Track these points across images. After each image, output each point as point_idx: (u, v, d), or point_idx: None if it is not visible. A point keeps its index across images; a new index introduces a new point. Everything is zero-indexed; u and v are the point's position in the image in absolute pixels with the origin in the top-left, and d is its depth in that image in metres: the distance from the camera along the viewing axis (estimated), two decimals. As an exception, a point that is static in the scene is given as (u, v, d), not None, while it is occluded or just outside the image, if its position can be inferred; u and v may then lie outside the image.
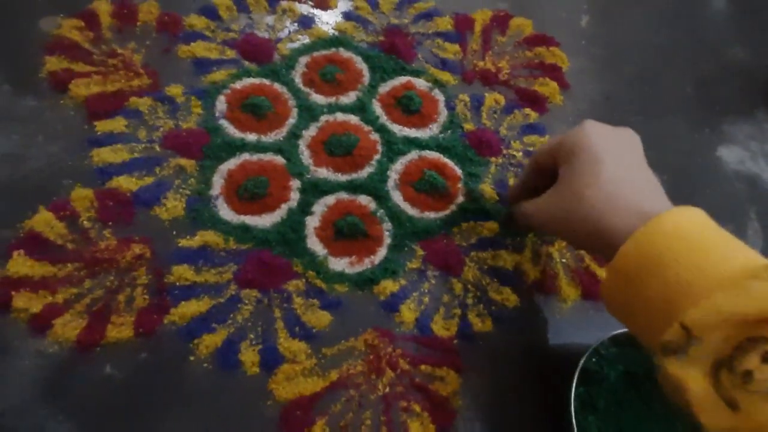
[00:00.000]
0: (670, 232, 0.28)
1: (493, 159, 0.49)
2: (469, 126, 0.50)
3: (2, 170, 0.41)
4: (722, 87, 0.58)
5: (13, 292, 0.37)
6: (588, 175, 0.33)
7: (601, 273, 0.45)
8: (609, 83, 0.56)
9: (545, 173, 0.38)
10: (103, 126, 0.44)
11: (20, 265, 0.38)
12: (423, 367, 0.38)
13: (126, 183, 0.42)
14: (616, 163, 0.33)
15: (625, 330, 0.38)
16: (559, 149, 0.36)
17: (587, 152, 0.34)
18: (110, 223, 0.40)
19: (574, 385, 0.35)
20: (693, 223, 0.29)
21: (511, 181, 0.48)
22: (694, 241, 0.27)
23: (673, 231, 0.28)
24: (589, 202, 0.32)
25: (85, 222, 0.40)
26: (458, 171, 0.47)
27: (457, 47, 0.55)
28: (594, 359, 0.38)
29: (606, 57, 0.57)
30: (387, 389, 0.37)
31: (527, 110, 0.52)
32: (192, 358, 0.37)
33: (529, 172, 0.40)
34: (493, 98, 0.52)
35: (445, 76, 0.52)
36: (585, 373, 0.37)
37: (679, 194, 0.48)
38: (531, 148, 0.50)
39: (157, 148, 0.44)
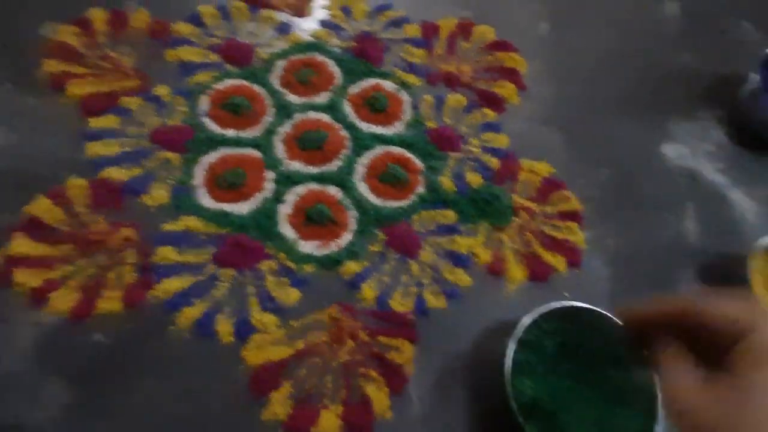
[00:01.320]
0: None
1: (452, 154, 0.53)
2: (431, 124, 0.55)
3: (4, 160, 0.46)
4: (669, 89, 0.63)
5: (14, 269, 0.41)
6: None
7: (547, 257, 0.49)
8: (563, 85, 0.60)
9: (692, 327, 0.28)
10: (96, 122, 0.49)
11: (21, 245, 0.42)
12: (381, 338, 0.43)
13: (117, 173, 0.47)
14: None
15: (562, 305, 0.42)
16: (751, 344, 0.26)
17: None
18: (102, 209, 0.45)
19: (509, 347, 0.39)
20: None
21: (468, 175, 0.52)
22: None
23: None
24: None
25: (79, 208, 0.45)
26: (420, 164, 0.52)
27: (423, 52, 0.59)
28: (534, 332, 0.42)
29: (561, 61, 0.62)
30: (347, 357, 0.42)
31: (486, 110, 0.57)
32: (172, 328, 0.41)
33: (666, 310, 0.29)
34: (455, 98, 0.57)
35: (411, 79, 0.57)
36: (525, 343, 0.42)
37: (623, 187, 0.54)
38: (488, 144, 0.54)
39: (145, 143, 0.49)
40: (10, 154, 0.46)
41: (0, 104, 0.49)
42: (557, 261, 0.49)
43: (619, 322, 0.40)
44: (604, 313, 0.41)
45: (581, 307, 0.42)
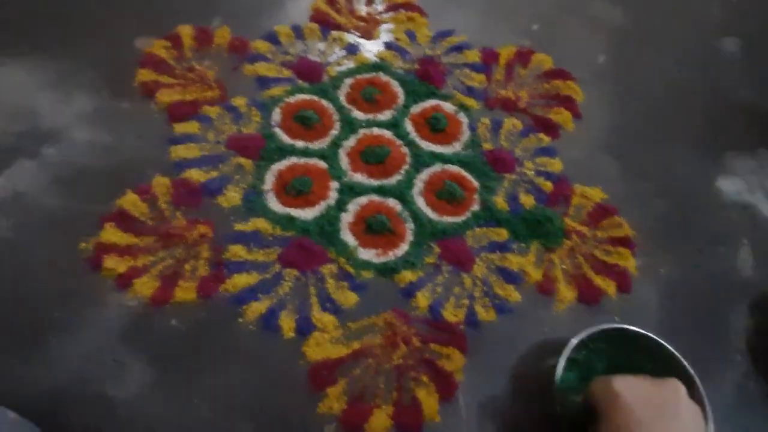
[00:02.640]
0: None
1: (507, 175, 0.55)
2: (487, 145, 0.57)
3: (100, 158, 0.51)
4: (727, 124, 0.63)
5: (104, 255, 0.45)
6: None
7: (597, 280, 0.50)
8: (619, 115, 0.62)
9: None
10: (180, 128, 0.54)
11: (110, 234, 0.47)
12: (432, 345, 0.45)
13: (196, 175, 0.51)
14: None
15: (612, 326, 0.42)
16: (662, 405, 0.34)
17: (620, 415, 0.33)
18: (182, 207, 0.49)
19: (559, 364, 0.40)
20: None
21: (522, 196, 0.54)
22: None
23: None
24: None
25: (162, 204, 0.49)
26: (475, 183, 0.54)
27: (482, 77, 0.62)
28: (584, 352, 0.43)
29: (618, 92, 0.64)
30: (400, 361, 0.44)
31: (541, 135, 0.59)
32: (240, 320, 0.45)
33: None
34: (512, 123, 0.59)
35: (470, 102, 0.60)
36: (574, 362, 0.42)
37: (677, 218, 0.55)
38: (542, 168, 0.56)
39: (222, 148, 0.53)
40: (106, 153, 0.51)
41: (98, 108, 0.54)
42: (607, 285, 0.50)
43: (670, 348, 0.41)
44: (655, 337, 0.42)
45: (632, 330, 0.43)
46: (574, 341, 0.42)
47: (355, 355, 0.44)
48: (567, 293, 0.49)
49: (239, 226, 0.49)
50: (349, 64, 0.61)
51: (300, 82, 0.59)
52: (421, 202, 0.52)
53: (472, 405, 0.43)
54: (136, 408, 0.40)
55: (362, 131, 0.56)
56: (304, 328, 0.45)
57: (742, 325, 0.50)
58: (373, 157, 0.54)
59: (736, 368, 0.48)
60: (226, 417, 0.41)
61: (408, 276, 0.48)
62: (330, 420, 0.41)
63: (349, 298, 0.46)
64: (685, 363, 0.41)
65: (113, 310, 0.44)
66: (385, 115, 0.57)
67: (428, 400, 0.42)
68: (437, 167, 0.55)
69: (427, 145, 0.56)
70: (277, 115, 0.56)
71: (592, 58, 0.67)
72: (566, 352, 0.41)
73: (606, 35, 0.69)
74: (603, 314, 0.49)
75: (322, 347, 0.44)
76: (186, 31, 0.60)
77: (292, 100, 0.57)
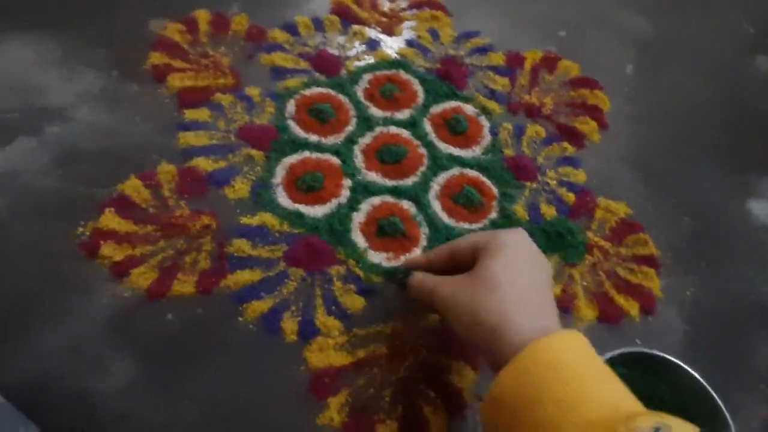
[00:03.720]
0: (548, 360, 0.29)
1: (528, 183, 0.53)
2: (509, 151, 0.54)
3: (104, 140, 0.49)
4: (758, 145, 0.60)
5: (101, 242, 0.43)
6: (512, 271, 0.34)
7: (619, 299, 0.47)
8: (646, 128, 0.59)
9: (458, 261, 0.38)
10: (190, 114, 0.51)
11: (110, 220, 0.44)
12: (442, 358, 0.42)
13: (203, 164, 0.48)
14: (535, 272, 0.35)
15: (635, 350, 0.40)
16: (487, 244, 0.36)
17: (518, 252, 0.36)
18: (186, 196, 0.47)
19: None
20: (572, 353, 0.30)
21: (543, 206, 0.51)
22: (569, 374, 0.28)
23: (552, 360, 0.29)
24: (503, 295, 0.33)
25: (166, 192, 0.47)
26: (494, 190, 0.51)
27: (506, 80, 0.60)
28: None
29: (646, 104, 0.61)
30: (407, 373, 0.41)
31: (565, 144, 0.56)
32: (240, 319, 0.42)
33: (441, 254, 0.40)
34: (535, 129, 0.56)
35: (492, 105, 0.57)
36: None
37: (705, 238, 0.52)
38: (565, 178, 0.54)
39: (232, 138, 0.51)
40: (110, 135, 0.49)
41: (105, 89, 0.52)
42: (630, 305, 0.47)
43: (695, 374, 0.38)
44: (679, 362, 0.39)
45: (655, 355, 0.40)
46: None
47: (359, 364, 0.41)
48: (587, 311, 0.46)
49: (245, 220, 0.46)
50: (369, 60, 0.59)
51: (317, 74, 0.57)
52: (436, 206, 0.50)
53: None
54: (120, 406, 0.37)
55: (379, 129, 0.53)
56: (308, 331, 0.42)
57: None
58: (389, 156, 0.51)
59: (763, 400, 0.45)
60: (215, 423, 0.38)
61: (420, 283, 0.45)
62: (329, 432, 0.38)
63: (356, 302, 0.44)
64: (716, 398, 0.38)
65: (106, 300, 0.41)
66: (404, 114, 0.55)
67: (435, 418, 0.39)
68: (455, 171, 0.52)
69: (445, 147, 0.53)
70: (291, 106, 0.53)
71: (619, 68, 0.64)
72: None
73: (635, 46, 0.67)
74: (623, 336, 0.46)
75: (325, 353, 0.41)
76: (203, 16, 0.58)
77: (307, 92, 0.55)
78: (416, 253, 0.47)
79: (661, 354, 0.39)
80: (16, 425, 0.32)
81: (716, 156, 0.59)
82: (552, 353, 0.29)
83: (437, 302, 0.36)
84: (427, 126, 0.54)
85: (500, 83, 0.59)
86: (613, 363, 0.40)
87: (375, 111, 0.55)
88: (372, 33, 0.61)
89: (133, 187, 0.46)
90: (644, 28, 0.69)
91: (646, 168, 0.56)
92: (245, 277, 0.43)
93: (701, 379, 0.38)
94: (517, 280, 0.34)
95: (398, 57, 0.59)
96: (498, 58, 0.61)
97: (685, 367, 0.39)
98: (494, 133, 0.55)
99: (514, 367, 0.29)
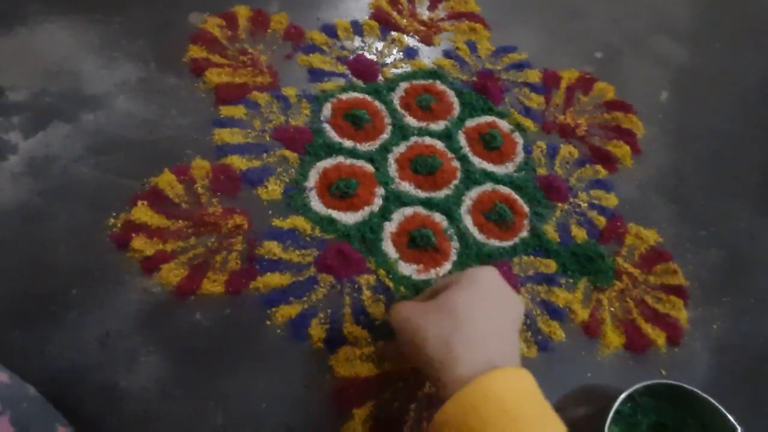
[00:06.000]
0: (491, 396, 0.28)
1: (560, 204, 0.52)
2: (542, 170, 0.54)
3: (140, 132, 0.48)
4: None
5: (132, 234, 0.43)
6: (473, 307, 0.34)
7: (647, 328, 0.47)
8: (679, 156, 0.59)
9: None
10: (226, 111, 0.51)
11: (142, 213, 0.44)
12: (468, 376, 0.42)
13: (237, 162, 0.48)
14: (500, 310, 0.35)
15: (662, 382, 0.39)
16: (458, 278, 0.36)
17: (485, 288, 0.35)
18: (219, 193, 0.46)
19: (609, 418, 0.37)
20: (516, 391, 0.29)
21: (573, 228, 0.51)
22: (512, 413, 0.28)
23: (495, 397, 0.28)
24: (457, 327, 0.32)
25: (199, 188, 0.46)
26: (526, 209, 0.51)
27: (541, 99, 0.59)
28: (628, 404, 0.40)
29: (680, 132, 0.61)
30: (433, 389, 0.41)
31: (598, 167, 0.56)
32: (268, 322, 0.42)
33: (424, 296, 0.40)
34: (568, 150, 0.56)
35: (527, 122, 0.57)
36: (619, 415, 0.39)
37: (734, 271, 0.51)
38: (596, 201, 0.53)
39: (268, 138, 0.50)
40: (146, 126, 0.49)
41: (143, 79, 0.52)
42: (657, 335, 0.47)
43: (721, 408, 0.37)
44: (705, 396, 0.38)
45: (682, 387, 0.39)
46: (623, 395, 0.38)
47: (385, 377, 0.41)
48: (613, 338, 0.46)
49: (277, 222, 0.46)
50: (406, 68, 0.58)
51: (354, 79, 0.56)
52: (468, 221, 0.49)
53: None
54: (146, 403, 0.37)
55: (414, 139, 0.53)
56: (335, 339, 0.42)
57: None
58: (423, 168, 0.51)
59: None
60: (240, 426, 0.37)
61: (449, 298, 0.45)
62: (353, 445, 0.38)
63: (384, 314, 0.43)
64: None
65: (135, 295, 0.41)
66: (439, 126, 0.55)
67: (460, 436, 0.39)
68: (488, 186, 0.52)
69: (479, 162, 0.53)
70: (327, 110, 0.53)
71: (654, 94, 0.64)
72: (615, 405, 0.38)
73: (671, 73, 0.66)
74: (649, 365, 0.46)
75: (351, 363, 0.41)
76: (243, 12, 0.58)
77: (344, 96, 0.54)
78: (446, 267, 0.46)
79: (687, 386, 0.39)
80: (53, 423, 0.32)
81: (748, 189, 0.58)
82: (495, 391, 0.29)
83: (392, 319, 0.36)
84: (462, 139, 0.54)
85: (536, 101, 0.59)
86: (641, 392, 0.39)
87: (411, 120, 0.54)
88: (410, 41, 0.61)
89: (166, 180, 0.46)
90: (681, 55, 0.68)
91: (677, 196, 0.56)
92: (275, 280, 0.43)
93: (728, 414, 0.38)
94: (476, 316, 0.33)
95: (435, 67, 0.59)
96: (534, 76, 0.61)
97: (710, 398, 0.38)
98: (528, 151, 0.55)
99: (457, 402, 0.29)
